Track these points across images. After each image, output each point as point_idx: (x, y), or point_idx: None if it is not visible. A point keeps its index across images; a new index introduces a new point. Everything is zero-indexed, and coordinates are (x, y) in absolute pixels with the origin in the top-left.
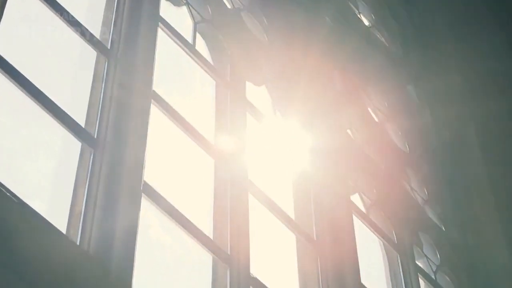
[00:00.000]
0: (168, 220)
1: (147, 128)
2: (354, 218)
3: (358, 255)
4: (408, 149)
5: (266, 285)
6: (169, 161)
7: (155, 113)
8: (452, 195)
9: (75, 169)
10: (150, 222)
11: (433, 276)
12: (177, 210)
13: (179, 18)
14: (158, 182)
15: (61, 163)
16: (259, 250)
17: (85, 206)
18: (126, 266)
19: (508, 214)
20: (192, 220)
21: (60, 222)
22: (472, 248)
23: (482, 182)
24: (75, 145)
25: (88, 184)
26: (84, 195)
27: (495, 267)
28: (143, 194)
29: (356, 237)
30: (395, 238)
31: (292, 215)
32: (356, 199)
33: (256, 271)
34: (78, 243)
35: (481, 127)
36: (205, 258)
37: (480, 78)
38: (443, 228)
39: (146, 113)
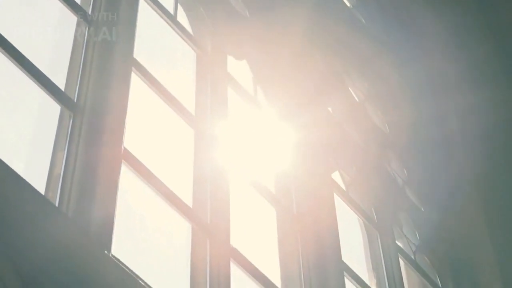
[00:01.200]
0: (147, 187)
1: (127, 95)
2: (335, 196)
3: (339, 232)
4: (388, 130)
5: (246, 256)
6: (149, 129)
7: (136, 81)
8: (431, 176)
9: (54, 132)
10: (129, 188)
11: (412, 256)
12: (156, 178)
13: None
14: (138, 149)
15: (40, 126)
16: (239, 222)
17: (64, 169)
18: (105, 230)
19: (488, 194)
20: (171, 188)
21: (38, 184)
22: (451, 229)
23: (462, 164)
24: (55, 108)
25: (68, 148)
26: (63, 158)
27: (474, 248)
28: (123, 160)
29: (337, 215)
30: (375, 217)
31: (273, 189)
32: (336, 176)
33: (236, 242)
34: (57, 205)
35: (463, 113)
36: (184, 227)
37: (462, 65)
38: (423, 209)
39: (126, 80)
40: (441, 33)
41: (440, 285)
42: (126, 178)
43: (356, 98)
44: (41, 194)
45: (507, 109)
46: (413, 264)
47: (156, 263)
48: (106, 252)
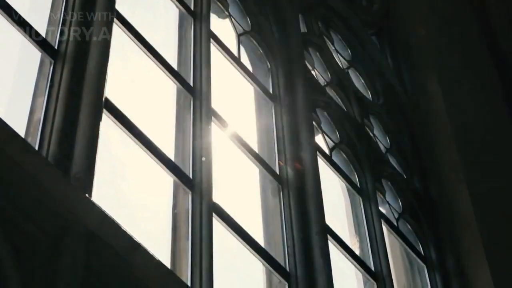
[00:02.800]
0: (129, 139)
1: (109, 44)
2: (318, 159)
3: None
4: (370, 97)
5: (229, 213)
6: (131, 80)
7: (118, 32)
8: (414, 144)
9: (34, 79)
10: (110, 137)
11: (395, 223)
12: (139, 129)
13: None
14: (120, 100)
15: (20, 72)
16: (222, 178)
17: (44, 115)
18: (86, 175)
19: (471, 163)
20: (153, 141)
21: (18, 129)
22: (433, 197)
23: (445, 132)
24: (35, 55)
25: (48, 94)
26: (43, 104)
27: (456, 216)
28: (104, 110)
29: (321, 178)
30: (358, 183)
31: (256, 147)
32: (320, 140)
33: (219, 198)
34: (36, 149)
35: (444, 78)
36: (166, 181)
37: (443, 30)
38: (405, 177)
39: (108, 30)
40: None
41: (423, 253)
42: (107, 128)
43: (339, 64)
44: (21, 137)
45: None
46: (396, 230)
47: (137, 214)
48: (87, 195)
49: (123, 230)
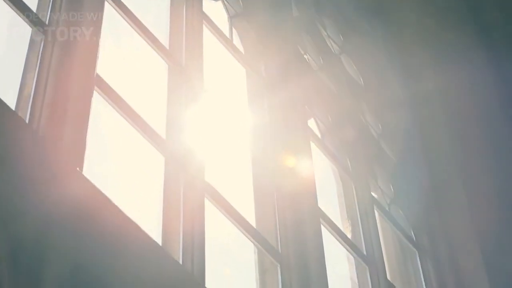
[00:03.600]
0: (121, 117)
1: (101, 21)
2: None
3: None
4: (363, 83)
5: (221, 193)
6: (123, 59)
7: (110, 10)
8: (406, 130)
9: (25, 54)
10: (102, 116)
11: (387, 208)
12: (131, 108)
13: None
14: (111, 77)
15: (9, 46)
16: (214, 159)
17: (35, 90)
18: (76, 149)
19: (464, 148)
20: (145, 119)
21: (8, 102)
22: (426, 183)
23: (438, 118)
24: (26, 30)
25: (38, 70)
26: (33, 79)
27: (448, 202)
28: (95, 87)
29: (313, 162)
30: (350, 167)
31: (247, 130)
32: (312, 125)
33: (211, 179)
34: (27, 122)
35: (436, 56)
36: (158, 159)
37: (437, 15)
38: (397, 163)
39: (100, 6)
40: None
41: (415, 239)
42: (99, 104)
43: (332, 49)
44: (12, 110)
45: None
46: (388, 215)
47: (127, 192)
48: (78, 169)
49: (114, 205)
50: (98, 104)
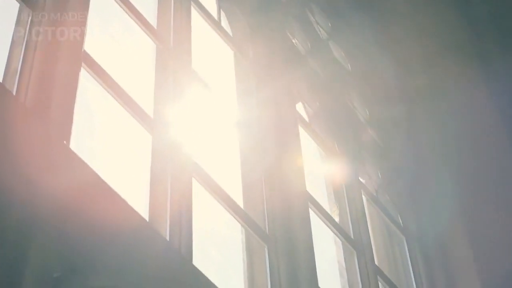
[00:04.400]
0: (108, 95)
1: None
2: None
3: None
4: (350, 69)
5: (208, 173)
6: (110, 37)
7: None
8: (393, 117)
9: (12, 29)
10: (87, 87)
11: (374, 194)
12: (119, 86)
13: None
14: (99, 55)
15: None
16: (202, 141)
17: (22, 64)
18: (64, 122)
19: (451, 135)
20: (133, 98)
21: None
22: (412, 169)
23: (424, 104)
24: (14, 5)
25: (26, 44)
26: (20, 54)
27: (436, 188)
28: (83, 63)
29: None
30: (338, 151)
31: (236, 113)
32: (300, 109)
33: (198, 158)
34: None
35: (420, 42)
36: (145, 137)
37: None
38: (385, 148)
39: None
40: None
41: (402, 225)
42: (86, 81)
43: (320, 35)
44: None
45: None
46: (375, 201)
47: (113, 169)
48: (65, 142)
49: (102, 180)
50: (86, 81)
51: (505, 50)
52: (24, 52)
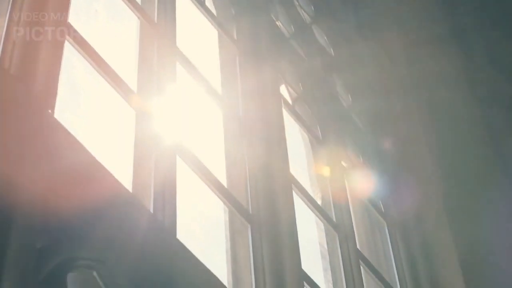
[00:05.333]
0: (93, 70)
1: None
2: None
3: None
4: (333, 53)
5: (192, 151)
6: (94, 11)
7: None
8: (375, 102)
9: None
10: (74, 64)
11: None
12: (102, 58)
13: None
14: (82, 28)
15: None
16: (186, 120)
17: (6, 32)
18: (49, 91)
19: (431, 120)
20: (116, 71)
21: None
22: (396, 155)
23: (407, 89)
24: None
25: (10, 13)
26: (5, 22)
27: (417, 174)
28: (67, 37)
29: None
30: (321, 135)
31: (219, 91)
32: (283, 91)
33: (182, 136)
34: None
35: (403, 32)
36: (129, 112)
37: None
38: (367, 134)
39: None
40: None
41: (383, 210)
42: (70, 54)
43: (303, 19)
44: None
45: None
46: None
47: (96, 143)
48: (49, 111)
49: (86, 150)
50: (71, 54)
51: (487, 43)
52: (8, 21)
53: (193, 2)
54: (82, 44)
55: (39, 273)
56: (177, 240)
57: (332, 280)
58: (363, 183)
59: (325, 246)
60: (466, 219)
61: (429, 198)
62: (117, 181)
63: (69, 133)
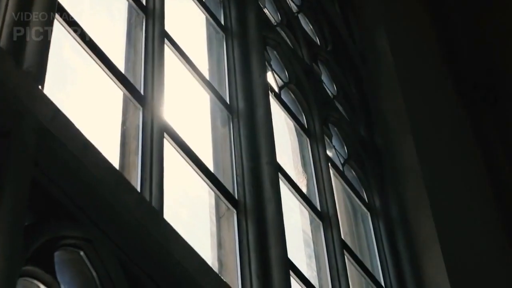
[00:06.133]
0: (81, 48)
1: None
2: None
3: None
4: (319, 42)
5: (180, 136)
6: None
7: None
8: (360, 93)
9: None
10: (62, 44)
11: (341, 168)
12: (90, 37)
13: None
14: (71, 9)
15: None
16: (173, 102)
17: None
18: (38, 67)
19: (417, 112)
20: (106, 52)
21: None
22: (378, 145)
23: (391, 82)
24: None
25: None
26: None
27: (400, 164)
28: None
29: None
30: (306, 124)
31: (207, 75)
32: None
33: (169, 120)
34: None
35: (390, 27)
36: (117, 95)
37: None
38: (352, 124)
39: None
40: None
41: (367, 200)
42: (59, 34)
43: (290, 7)
44: None
45: None
46: (341, 175)
47: (84, 124)
48: (39, 87)
49: (75, 128)
50: (60, 33)
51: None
52: None
53: None
54: (69, 22)
55: (26, 251)
56: (165, 220)
57: (316, 268)
58: (347, 173)
59: (309, 234)
60: (449, 209)
61: (414, 188)
62: (105, 159)
63: (59, 110)
